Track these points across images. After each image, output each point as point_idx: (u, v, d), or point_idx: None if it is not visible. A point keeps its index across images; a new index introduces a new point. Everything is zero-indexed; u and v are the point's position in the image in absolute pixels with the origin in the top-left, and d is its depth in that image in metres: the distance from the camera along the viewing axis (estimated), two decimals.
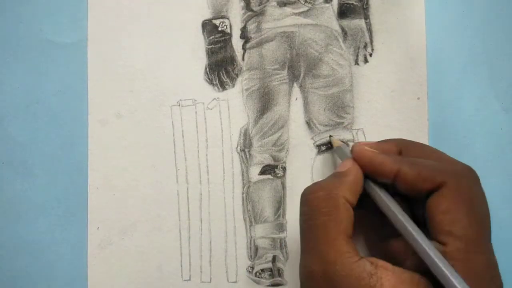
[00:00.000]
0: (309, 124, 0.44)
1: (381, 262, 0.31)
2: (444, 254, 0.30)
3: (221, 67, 0.44)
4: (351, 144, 0.43)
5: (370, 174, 0.35)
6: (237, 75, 0.44)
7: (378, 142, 0.37)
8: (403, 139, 0.37)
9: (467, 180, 0.33)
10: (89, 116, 0.44)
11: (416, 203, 0.36)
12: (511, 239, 0.42)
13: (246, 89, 0.44)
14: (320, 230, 0.32)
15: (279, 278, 0.43)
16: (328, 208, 0.32)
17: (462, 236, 0.31)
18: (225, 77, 0.44)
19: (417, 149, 0.36)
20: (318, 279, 0.31)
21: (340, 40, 0.44)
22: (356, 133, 0.43)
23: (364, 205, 0.36)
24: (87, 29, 0.44)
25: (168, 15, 0.44)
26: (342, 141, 0.41)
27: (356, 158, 0.35)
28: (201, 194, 0.43)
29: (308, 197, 0.34)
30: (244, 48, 0.44)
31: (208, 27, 0.44)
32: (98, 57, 0.44)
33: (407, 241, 0.32)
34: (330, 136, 0.42)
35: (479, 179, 0.34)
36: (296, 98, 0.44)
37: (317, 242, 0.32)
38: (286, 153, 0.43)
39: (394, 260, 0.33)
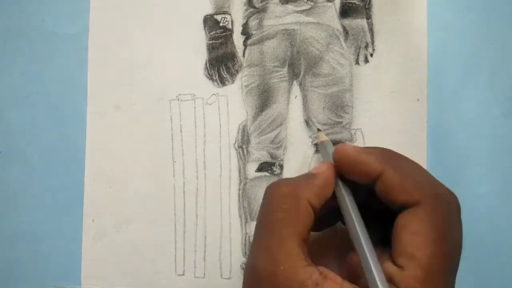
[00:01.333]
0: (307, 122, 0.43)
1: (332, 275, 0.29)
2: (399, 279, 0.28)
3: (221, 62, 0.44)
4: (348, 143, 0.43)
5: (351, 176, 0.33)
6: (237, 71, 0.44)
7: (364, 147, 0.36)
8: (389, 150, 0.34)
9: (446, 206, 0.30)
10: (88, 108, 0.44)
11: (392, 223, 0.33)
12: (510, 243, 0.42)
13: (246, 86, 0.44)
14: (275, 226, 0.31)
15: None
16: (288, 205, 0.31)
17: (424, 265, 0.28)
18: (225, 73, 0.44)
19: (402, 162, 0.33)
20: (261, 276, 0.30)
21: (341, 39, 0.44)
22: (355, 133, 0.43)
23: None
24: (88, 21, 0.44)
25: (170, 9, 0.44)
26: (330, 140, 0.41)
27: (339, 156, 0.33)
28: (197, 189, 0.43)
29: (271, 191, 0.32)
30: (245, 44, 0.44)
31: (210, 22, 0.44)
32: (99, 49, 0.44)
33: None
34: (318, 129, 0.41)
35: (460, 209, 0.31)
36: (296, 96, 0.44)
37: (268, 238, 0.30)
38: (283, 150, 0.43)
39: (349, 275, 0.32)
